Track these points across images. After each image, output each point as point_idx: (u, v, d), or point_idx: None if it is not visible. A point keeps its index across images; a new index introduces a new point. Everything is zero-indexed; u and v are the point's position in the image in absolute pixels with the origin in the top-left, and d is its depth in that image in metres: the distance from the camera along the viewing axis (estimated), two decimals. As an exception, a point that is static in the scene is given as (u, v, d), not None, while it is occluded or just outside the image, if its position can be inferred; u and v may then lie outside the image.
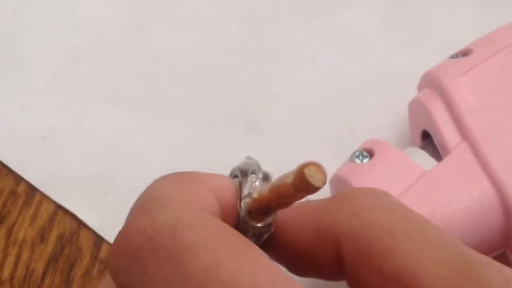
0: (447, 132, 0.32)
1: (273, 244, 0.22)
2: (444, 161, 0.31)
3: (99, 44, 0.45)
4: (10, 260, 0.36)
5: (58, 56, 0.44)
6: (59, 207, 0.37)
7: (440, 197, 0.30)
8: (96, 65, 0.44)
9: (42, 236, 0.37)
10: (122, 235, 0.18)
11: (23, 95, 0.42)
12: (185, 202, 0.19)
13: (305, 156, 0.39)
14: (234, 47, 0.44)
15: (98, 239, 0.36)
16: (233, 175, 0.22)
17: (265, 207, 0.21)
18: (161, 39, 0.45)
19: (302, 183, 0.18)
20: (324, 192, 0.35)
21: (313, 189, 0.18)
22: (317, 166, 0.18)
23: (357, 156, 0.32)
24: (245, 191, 0.21)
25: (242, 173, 0.22)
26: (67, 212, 0.37)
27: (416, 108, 0.35)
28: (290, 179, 0.18)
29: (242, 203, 0.21)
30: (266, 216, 0.21)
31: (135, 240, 0.18)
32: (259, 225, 0.21)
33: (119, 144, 0.40)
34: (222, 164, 0.38)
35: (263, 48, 0.44)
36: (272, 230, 0.22)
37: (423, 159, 0.32)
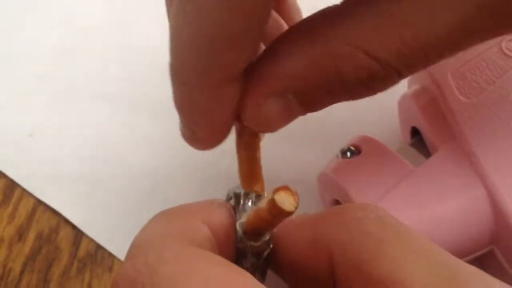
0: (436, 129, 0.31)
1: (274, 259, 0.23)
2: (433, 158, 0.31)
3: (85, 41, 0.44)
4: (-13, 259, 0.35)
5: (45, 53, 0.43)
6: (38, 204, 0.37)
7: (428, 194, 0.29)
8: (82, 63, 0.43)
9: (20, 234, 0.35)
10: (112, 283, 0.19)
11: (9, 92, 0.42)
12: (167, 238, 0.20)
13: (296, 153, 0.39)
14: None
15: (78, 238, 0.35)
16: (229, 197, 0.23)
17: (256, 229, 0.21)
18: (147, 36, 0.44)
19: (274, 209, 0.19)
20: (314, 190, 0.34)
21: (286, 214, 0.19)
22: (287, 190, 0.18)
23: (345, 152, 0.31)
24: (240, 214, 0.22)
25: (235, 196, 0.23)
26: (46, 209, 0.36)
27: (406, 105, 0.34)
28: (266, 203, 0.19)
29: (237, 226, 0.22)
30: (261, 235, 0.22)
31: (121, 285, 0.19)
32: (256, 244, 0.22)
33: (106, 141, 0.39)
34: (210, 162, 0.38)
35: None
36: (271, 246, 0.22)
37: (412, 156, 0.32)
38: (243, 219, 0.22)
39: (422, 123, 0.32)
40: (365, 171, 0.30)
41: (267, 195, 0.20)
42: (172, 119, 0.40)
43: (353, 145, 0.32)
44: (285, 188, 0.18)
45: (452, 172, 0.30)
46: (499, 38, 0.34)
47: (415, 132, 0.34)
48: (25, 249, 0.35)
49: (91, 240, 0.35)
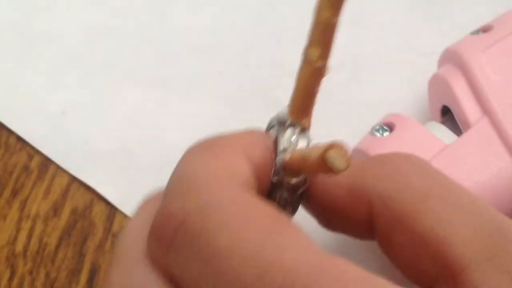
0: (468, 107, 0.32)
1: (307, 197, 0.22)
2: (465, 135, 0.31)
3: (118, 20, 0.44)
4: (23, 234, 0.35)
5: (78, 32, 0.44)
6: (72, 181, 0.37)
7: (460, 171, 0.30)
8: (115, 42, 0.43)
9: (56, 210, 0.36)
10: (157, 222, 0.19)
11: (42, 70, 0.42)
12: (217, 177, 0.19)
13: (326, 132, 0.39)
14: (254, 23, 0.44)
15: (111, 213, 0.36)
16: (270, 126, 0.22)
17: (296, 170, 0.21)
18: (180, 15, 0.45)
19: (323, 165, 0.18)
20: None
21: (336, 172, 0.18)
22: (340, 148, 0.18)
23: (378, 130, 0.32)
24: (281, 147, 0.21)
25: (279, 124, 0.22)
26: (80, 186, 0.37)
27: (437, 84, 0.34)
28: (316, 156, 0.18)
29: (277, 159, 0.21)
30: (299, 173, 0.21)
31: (168, 226, 0.18)
32: (293, 181, 0.21)
33: (138, 120, 0.40)
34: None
35: (283, 23, 0.44)
36: (307, 184, 0.22)
37: (444, 133, 0.32)
38: (285, 155, 0.21)
39: (454, 101, 0.32)
40: (397, 148, 0.31)
41: (316, 145, 0.19)
42: (205, 98, 0.40)
43: (385, 123, 0.32)
44: (338, 146, 0.17)
45: (484, 149, 0.30)
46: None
47: (445, 112, 0.34)
48: (60, 224, 0.36)
49: (125, 215, 0.36)
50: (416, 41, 0.42)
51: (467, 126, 0.31)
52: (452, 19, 0.43)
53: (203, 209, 0.18)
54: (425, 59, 0.37)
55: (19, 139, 0.39)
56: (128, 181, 0.37)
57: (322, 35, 0.20)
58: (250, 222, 0.17)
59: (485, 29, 0.35)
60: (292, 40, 0.43)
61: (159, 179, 0.37)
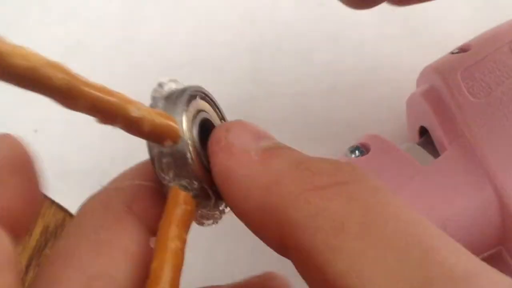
0: (445, 128, 0.31)
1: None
2: (441, 158, 0.31)
3: (93, 34, 0.44)
4: (-7, 253, 0.35)
5: (49, 47, 0.43)
6: (43, 200, 0.37)
7: (436, 194, 0.29)
8: (89, 56, 0.43)
9: (26, 229, 0.36)
10: None
11: (14, 87, 0.41)
12: None
13: (303, 151, 0.38)
14: (231, 39, 0.43)
15: (84, 233, 0.35)
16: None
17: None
18: (155, 31, 0.44)
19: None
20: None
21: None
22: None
23: (353, 151, 0.31)
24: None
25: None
26: (52, 205, 0.36)
27: (415, 104, 0.34)
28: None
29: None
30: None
31: None
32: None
33: (112, 136, 0.39)
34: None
35: (260, 39, 0.43)
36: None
37: (420, 155, 0.32)
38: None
39: (431, 122, 0.32)
40: (373, 169, 0.30)
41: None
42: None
43: (361, 144, 0.32)
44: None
45: (461, 172, 0.30)
46: (508, 39, 0.34)
47: (423, 132, 0.34)
48: (31, 243, 0.35)
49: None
50: (395, 59, 0.42)
51: (444, 148, 0.31)
52: (431, 37, 0.43)
53: None
54: (404, 78, 0.37)
55: (-9, 156, 0.38)
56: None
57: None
58: None
59: (464, 49, 0.34)
60: (269, 56, 0.43)
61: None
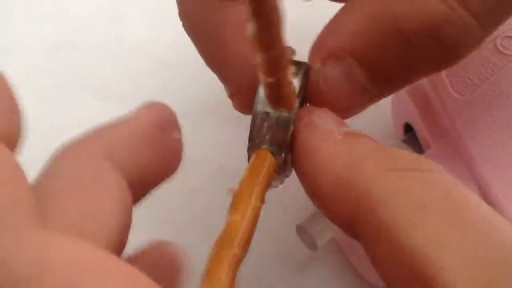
0: (429, 125, 0.32)
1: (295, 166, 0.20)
2: (426, 155, 0.31)
3: (79, 34, 0.44)
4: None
5: (33, 47, 0.43)
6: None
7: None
8: (75, 56, 0.43)
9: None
10: None
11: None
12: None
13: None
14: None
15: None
16: None
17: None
18: (142, 30, 0.44)
19: None
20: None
21: None
22: None
23: (337, 149, 0.31)
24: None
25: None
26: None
27: (400, 101, 0.34)
28: None
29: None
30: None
31: None
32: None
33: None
34: (204, 155, 0.38)
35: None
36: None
37: (405, 152, 0.32)
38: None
39: (415, 119, 0.32)
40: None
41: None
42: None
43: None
44: None
45: (445, 169, 0.30)
46: (494, 35, 0.34)
47: (408, 129, 0.34)
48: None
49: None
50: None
51: (428, 145, 0.31)
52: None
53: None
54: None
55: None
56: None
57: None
58: None
59: (449, 46, 0.34)
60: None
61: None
